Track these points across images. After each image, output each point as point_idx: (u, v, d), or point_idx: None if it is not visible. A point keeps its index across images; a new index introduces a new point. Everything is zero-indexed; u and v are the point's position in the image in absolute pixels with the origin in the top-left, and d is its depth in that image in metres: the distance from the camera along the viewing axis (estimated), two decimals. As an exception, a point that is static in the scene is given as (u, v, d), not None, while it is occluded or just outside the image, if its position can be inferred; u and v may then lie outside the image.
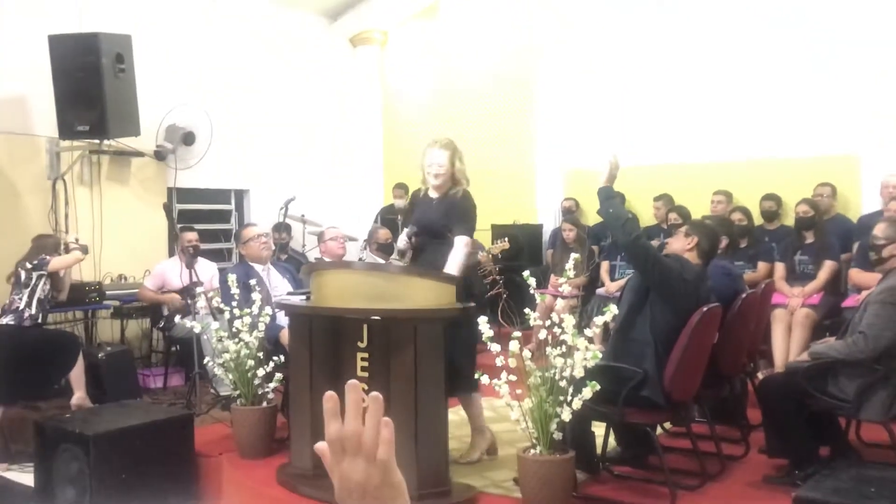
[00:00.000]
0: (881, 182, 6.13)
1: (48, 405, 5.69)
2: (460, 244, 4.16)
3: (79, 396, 5.35)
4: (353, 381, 1.01)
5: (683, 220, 5.75)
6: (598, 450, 4.11)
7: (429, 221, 4.33)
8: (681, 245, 3.97)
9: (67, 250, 5.52)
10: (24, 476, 4.71)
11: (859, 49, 6.68)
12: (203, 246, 6.69)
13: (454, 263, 4.10)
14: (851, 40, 6.72)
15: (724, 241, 4.58)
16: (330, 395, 1.00)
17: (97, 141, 6.42)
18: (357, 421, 1.00)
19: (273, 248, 6.12)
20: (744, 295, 4.27)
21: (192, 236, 6.35)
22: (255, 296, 4.57)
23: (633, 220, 4.03)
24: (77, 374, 5.35)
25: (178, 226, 6.31)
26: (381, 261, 6.31)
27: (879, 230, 3.87)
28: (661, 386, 3.67)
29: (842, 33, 6.76)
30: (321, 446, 1.03)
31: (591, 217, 8.14)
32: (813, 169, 6.78)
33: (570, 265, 3.60)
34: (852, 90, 6.73)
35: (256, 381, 4.50)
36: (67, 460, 4.13)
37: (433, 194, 4.37)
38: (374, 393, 1.00)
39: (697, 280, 3.87)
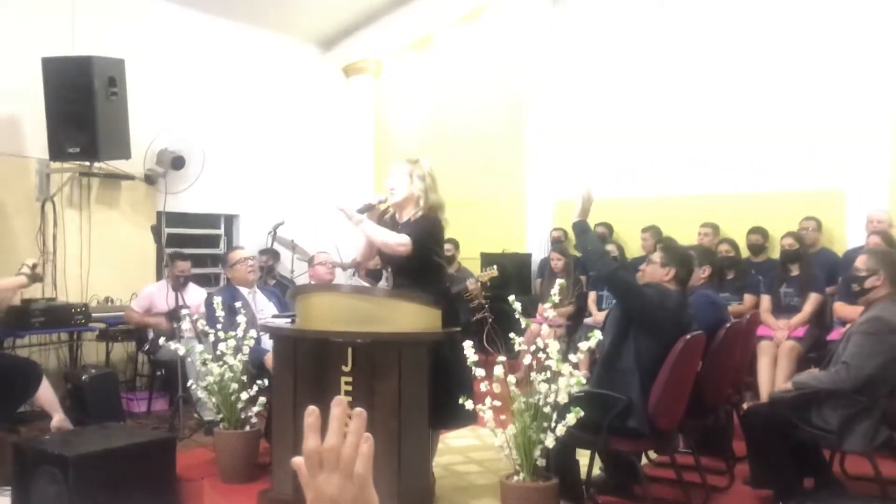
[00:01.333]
0: (867, 215, 6.20)
1: (29, 428, 5.63)
2: (397, 237, 3.91)
3: (58, 419, 5.28)
4: (339, 398, 1.02)
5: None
6: (583, 478, 4.09)
7: (397, 257, 4.03)
8: (658, 275, 3.98)
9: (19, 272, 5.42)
10: (2, 499, 4.65)
11: (846, 85, 6.79)
12: (192, 271, 6.67)
13: (377, 231, 3.92)
14: (838, 76, 6.84)
15: (707, 271, 4.59)
16: (311, 410, 1.01)
17: (87, 163, 6.44)
18: (339, 436, 1.01)
19: (259, 272, 6.12)
20: (728, 324, 4.28)
21: (184, 266, 6.34)
22: (240, 318, 4.55)
23: (608, 254, 4.03)
24: (48, 399, 5.27)
25: (169, 251, 6.30)
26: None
27: (861, 262, 3.90)
28: (645, 415, 3.66)
29: (828, 70, 6.88)
30: (297, 460, 1.03)
31: (580, 247, 8.19)
32: (799, 203, 6.85)
33: (555, 290, 3.61)
34: (838, 125, 6.83)
35: (240, 405, 4.47)
36: (46, 482, 4.05)
37: (398, 217, 4.13)
38: (359, 409, 1.02)
39: (678, 308, 3.89)
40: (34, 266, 5.33)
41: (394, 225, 4.11)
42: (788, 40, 7.11)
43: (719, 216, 7.17)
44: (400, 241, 3.90)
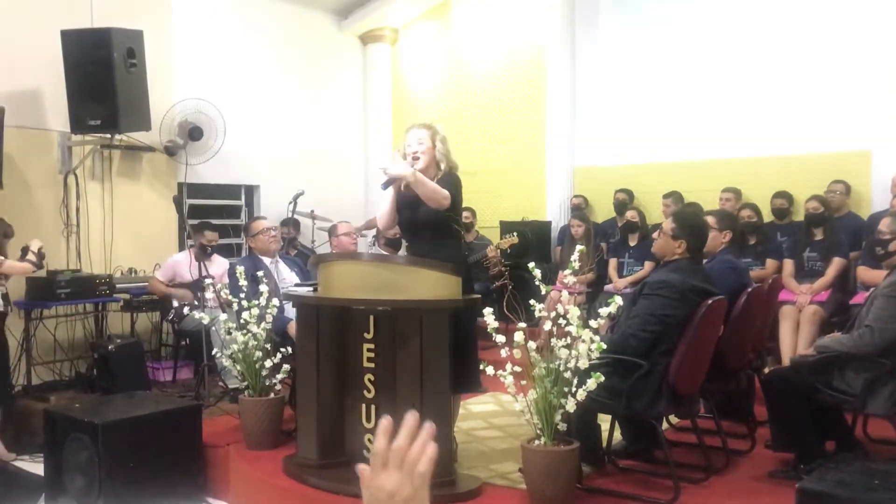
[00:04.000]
0: (892, 178, 6.11)
1: (58, 396, 5.74)
2: (441, 190, 3.92)
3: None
4: (413, 411, 1.16)
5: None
6: (604, 443, 4.12)
7: (421, 213, 4.03)
8: (670, 248, 3.92)
9: (25, 253, 5.44)
10: (35, 465, 4.77)
11: (871, 45, 6.67)
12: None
13: (427, 181, 3.88)
14: (863, 36, 6.71)
15: (727, 236, 4.55)
16: (387, 418, 1.15)
17: (108, 135, 6.48)
18: (408, 440, 1.13)
19: (281, 242, 6.15)
20: (750, 289, 4.25)
21: (212, 236, 6.40)
22: (263, 287, 4.59)
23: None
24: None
25: (194, 222, 6.34)
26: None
27: (885, 225, 3.86)
28: (666, 378, 3.67)
29: (854, 30, 6.76)
30: (361, 467, 1.15)
31: (600, 214, 8.16)
32: (824, 166, 6.77)
33: (575, 256, 3.60)
34: (864, 86, 6.73)
35: (264, 373, 4.53)
36: (77, 449, 4.16)
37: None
38: (430, 422, 1.15)
39: (703, 277, 3.86)
40: (40, 249, 5.40)
41: (411, 193, 4.04)
42: (813, 1, 6.99)
43: (742, 181, 7.10)
44: (444, 195, 3.92)
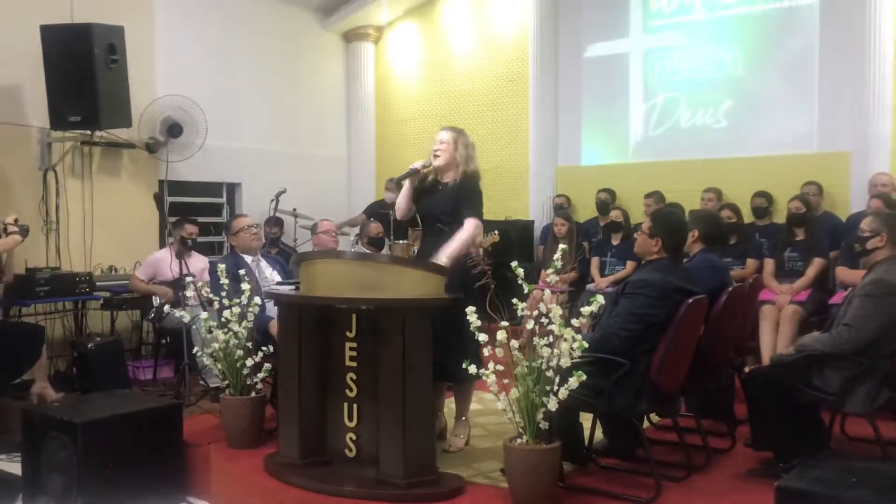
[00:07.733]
0: (870, 178, 6.19)
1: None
2: (470, 225, 4.22)
3: (41, 385, 5.35)
4: None
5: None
6: (586, 441, 4.13)
7: (436, 208, 4.33)
8: (648, 246, 3.94)
9: (6, 232, 5.36)
10: (13, 465, 4.71)
11: (850, 45, 6.73)
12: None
13: (457, 241, 4.16)
14: (841, 37, 6.77)
15: (694, 234, 4.55)
16: None
17: (89, 132, 6.42)
18: None
19: (263, 239, 6.12)
20: (730, 288, 4.28)
21: (192, 229, 6.34)
22: (245, 286, 4.57)
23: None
24: (40, 364, 5.36)
25: (173, 219, 6.31)
26: (372, 254, 6.30)
27: (866, 223, 3.91)
28: (647, 377, 3.68)
29: (832, 30, 6.82)
30: None
31: (582, 213, 8.19)
32: (803, 166, 6.84)
33: (557, 255, 3.61)
34: (843, 88, 6.78)
35: (245, 372, 4.51)
36: (55, 448, 4.12)
37: (440, 179, 4.41)
38: None
39: (684, 276, 3.89)
40: (15, 220, 5.32)
41: (434, 186, 4.39)
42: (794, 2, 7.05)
43: (722, 180, 7.15)
44: (472, 233, 4.23)
